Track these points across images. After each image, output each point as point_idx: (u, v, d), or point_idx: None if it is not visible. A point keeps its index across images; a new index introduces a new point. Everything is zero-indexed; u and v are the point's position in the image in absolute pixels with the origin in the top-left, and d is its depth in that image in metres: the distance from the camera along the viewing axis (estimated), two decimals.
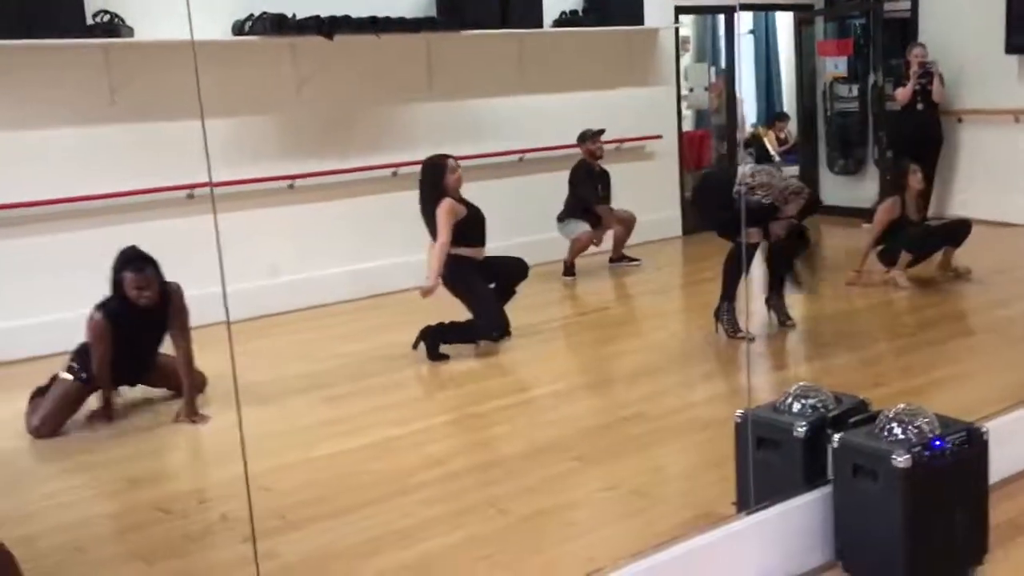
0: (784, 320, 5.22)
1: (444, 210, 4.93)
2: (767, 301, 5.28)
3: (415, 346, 5.03)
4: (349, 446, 3.92)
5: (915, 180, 6.13)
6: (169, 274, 4.24)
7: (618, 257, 7.19)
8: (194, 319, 4.29)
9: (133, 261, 4.17)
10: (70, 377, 4.25)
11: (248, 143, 6.14)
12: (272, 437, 3.89)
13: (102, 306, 4.23)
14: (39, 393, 4.28)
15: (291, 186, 6.34)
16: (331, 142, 6.55)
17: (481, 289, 5.07)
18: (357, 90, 6.66)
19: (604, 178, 7.01)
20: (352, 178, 6.51)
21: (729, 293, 4.99)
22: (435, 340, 5.01)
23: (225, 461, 3.69)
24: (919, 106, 7.90)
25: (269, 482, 3.62)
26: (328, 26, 6.14)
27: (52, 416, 4.19)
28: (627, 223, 7.11)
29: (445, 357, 5.01)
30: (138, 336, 4.28)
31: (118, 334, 4.22)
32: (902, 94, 7.94)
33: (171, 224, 5.60)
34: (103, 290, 4.23)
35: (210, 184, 3.59)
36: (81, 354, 4.30)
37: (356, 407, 4.39)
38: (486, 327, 5.05)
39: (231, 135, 6.01)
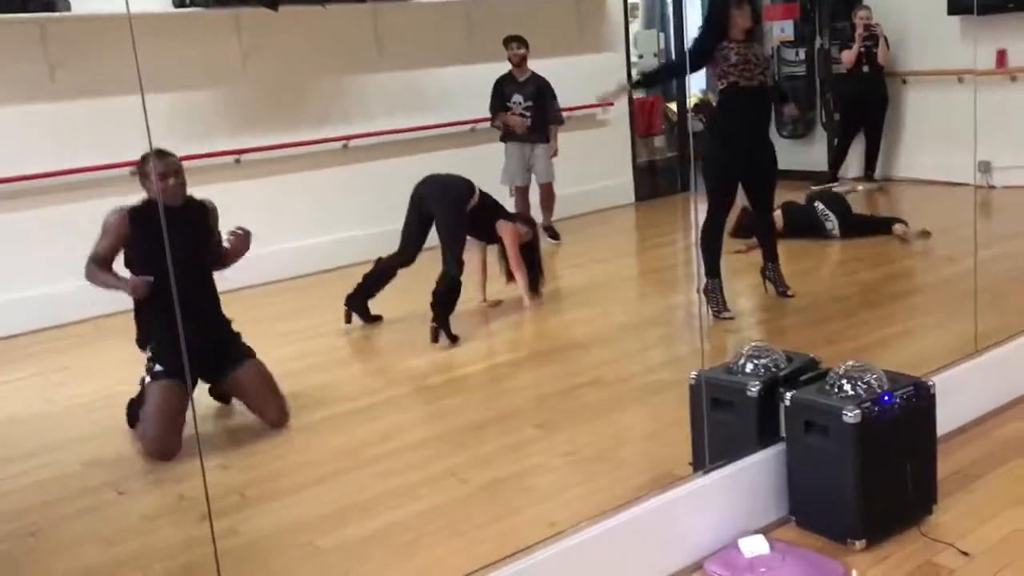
0: (784, 290, 5.07)
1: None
2: (763, 272, 5.15)
3: (348, 320, 5.05)
4: (303, 422, 3.90)
5: None
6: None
7: (545, 226, 6.90)
8: None
9: (155, 151, 3.66)
10: (149, 378, 3.70)
11: (194, 118, 6.02)
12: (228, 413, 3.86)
13: (125, 208, 3.73)
14: (135, 406, 3.79)
15: (237, 161, 6.24)
16: (279, 115, 6.46)
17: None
18: (305, 62, 6.57)
19: (524, 87, 6.75)
20: (302, 152, 6.44)
21: (713, 270, 4.85)
22: (360, 300, 5.05)
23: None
24: (864, 68, 7.99)
25: (228, 459, 3.60)
26: None
27: (161, 432, 3.61)
28: (548, 190, 6.92)
29: (379, 318, 5.06)
30: (172, 247, 3.43)
31: (143, 240, 3.63)
32: (848, 56, 8.02)
33: (116, 202, 5.46)
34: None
35: (151, 160, 3.53)
36: (151, 340, 3.72)
37: (306, 383, 4.36)
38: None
39: (176, 110, 5.88)
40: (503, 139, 6.79)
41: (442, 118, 6.97)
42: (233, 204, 6.08)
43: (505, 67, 6.83)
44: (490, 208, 5.25)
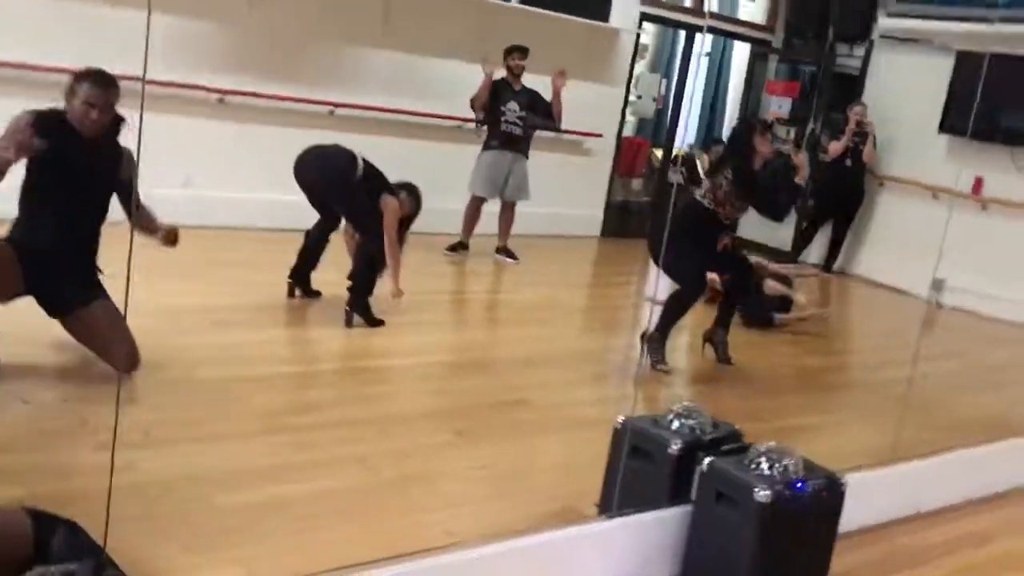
0: (726, 358, 5.09)
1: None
2: (708, 336, 5.15)
3: (291, 294, 4.99)
4: (229, 374, 3.85)
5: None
6: None
7: (501, 247, 6.86)
8: None
9: (96, 74, 3.47)
10: None
11: (188, 47, 5.93)
12: (153, 350, 3.78)
13: (35, 112, 3.42)
14: None
15: (221, 100, 6.16)
16: (273, 66, 6.38)
17: None
18: (310, 20, 6.51)
19: (520, 96, 6.63)
20: (287, 107, 6.37)
21: (666, 327, 4.86)
22: (302, 275, 5.00)
23: (98, 362, 3.59)
24: (847, 162, 8.15)
25: (139, 394, 3.53)
26: None
27: None
28: (510, 209, 6.81)
29: (318, 294, 5.02)
30: (74, 179, 3.46)
31: (47, 160, 3.38)
32: (835, 148, 8.18)
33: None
34: None
35: (143, 80, 3.44)
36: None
37: (245, 336, 4.31)
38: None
39: (173, 33, 5.78)
40: (486, 146, 6.70)
41: (434, 108, 6.95)
42: (212, 141, 6.08)
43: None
44: (375, 179, 4.87)
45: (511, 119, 6.60)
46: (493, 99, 6.58)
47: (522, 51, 6.61)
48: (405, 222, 4.90)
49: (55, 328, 3.66)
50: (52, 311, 3.63)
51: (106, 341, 3.56)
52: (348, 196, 4.81)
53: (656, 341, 4.87)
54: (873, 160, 8.20)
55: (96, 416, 3.18)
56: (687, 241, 4.74)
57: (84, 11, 5.57)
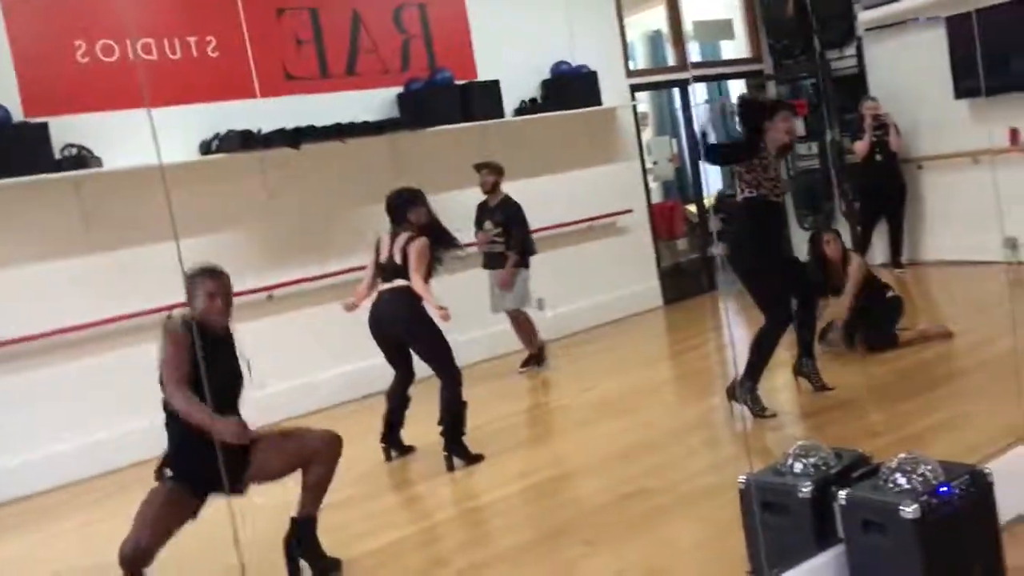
0: (821, 385, 5.07)
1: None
2: (797, 368, 5.15)
3: (387, 457, 5.08)
4: (352, 554, 3.84)
5: (830, 249, 5.89)
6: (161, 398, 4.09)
7: (526, 359, 6.73)
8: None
9: (207, 268, 3.58)
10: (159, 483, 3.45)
11: (223, 258, 6.04)
12: (270, 551, 3.79)
13: (178, 317, 3.52)
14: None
15: (270, 297, 6.35)
16: (307, 249, 6.59)
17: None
18: (328, 195, 6.73)
19: (495, 213, 6.53)
20: (331, 282, 6.53)
21: (755, 371, 4.83)
22: (392, 436, 5.08)
23: None
24: (878, 157, 8.09)
25: None
26: (294, 137, 6.25)
27: (139, 532, 3.25)
28: (516, 319, 6.65)
29: (412, 448, 5.11)
30: (212, 368, 3.41)
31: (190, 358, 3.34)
32: (860, 147, 8.14)
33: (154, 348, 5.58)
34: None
35: (186, 304, 3.55)
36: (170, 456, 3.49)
37: (353, 512, 4.32)
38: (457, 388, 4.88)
39: (207, 252, 5.96)
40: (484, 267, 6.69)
41: (463, 238, 7.05)
42: (269, 338, 6.24)
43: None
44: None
45: (489, 238, 6.54)
46: (477, 219, 6.58)
47: (491, 167, 6.53)
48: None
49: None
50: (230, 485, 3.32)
51: (295, 443, 3.62)
52: (429, 333, 4.83)
53: (748, 389, 4.79)
54: (901, 147, 8.12)
55: None
56: (758, 247, 4.75)
57: (112, 259, 5.85)
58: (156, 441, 3.71)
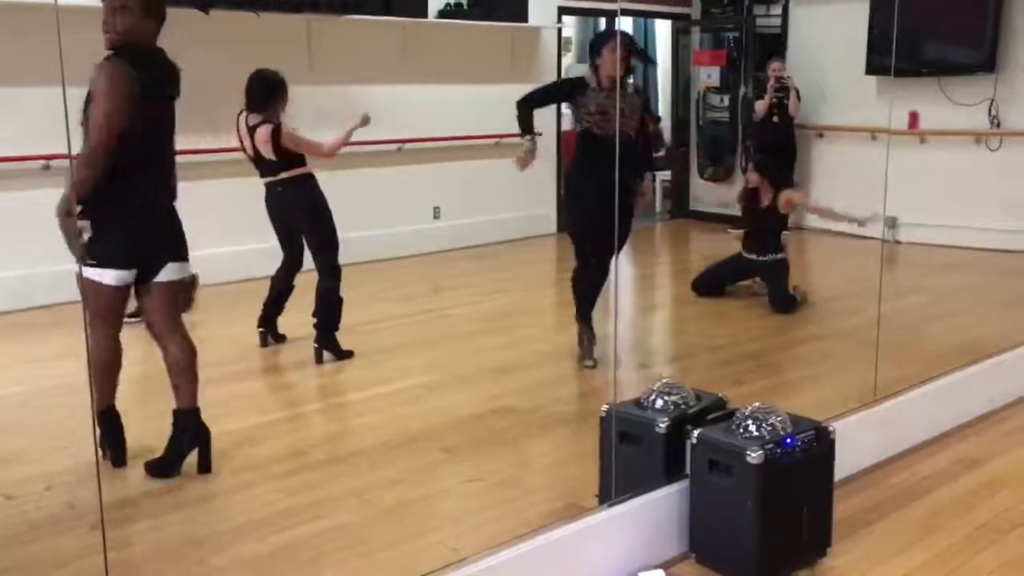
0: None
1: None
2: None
3: (263, 343, 4.99)
4: (214, 431, 3.80)
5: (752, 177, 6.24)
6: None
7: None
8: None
9: None
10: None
11: None
12: (129, 418, 3.72)
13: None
14: None
15: None
16: (200, 120, 6.32)
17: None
18: (234, 67, 6.45)
19: None
20: (218, 158, 6.32)
21: (583, 311, 4.87)
22: (270, 322, 5.00)
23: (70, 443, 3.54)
24: (775, 119, 8.25)
25: (123, 469, 3.49)
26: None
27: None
28: None
29: (283, 337, 5.03)
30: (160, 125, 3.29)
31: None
32: (760, 107, 8.29)
33: (26, 196, 5.33)
34: None
35: (68, 156, 3.40)
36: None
37: (217, 394, 4.27)
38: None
39: None
40: None
41: (370, 136, 6.92)
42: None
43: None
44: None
45: None
46: None
47: None
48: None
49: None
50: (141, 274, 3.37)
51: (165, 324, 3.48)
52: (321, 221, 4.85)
53: (581, 331, 4.83)
54: (798, 112, 8.29)
55: (83, 499, 3.14)
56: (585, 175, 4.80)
57: None
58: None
